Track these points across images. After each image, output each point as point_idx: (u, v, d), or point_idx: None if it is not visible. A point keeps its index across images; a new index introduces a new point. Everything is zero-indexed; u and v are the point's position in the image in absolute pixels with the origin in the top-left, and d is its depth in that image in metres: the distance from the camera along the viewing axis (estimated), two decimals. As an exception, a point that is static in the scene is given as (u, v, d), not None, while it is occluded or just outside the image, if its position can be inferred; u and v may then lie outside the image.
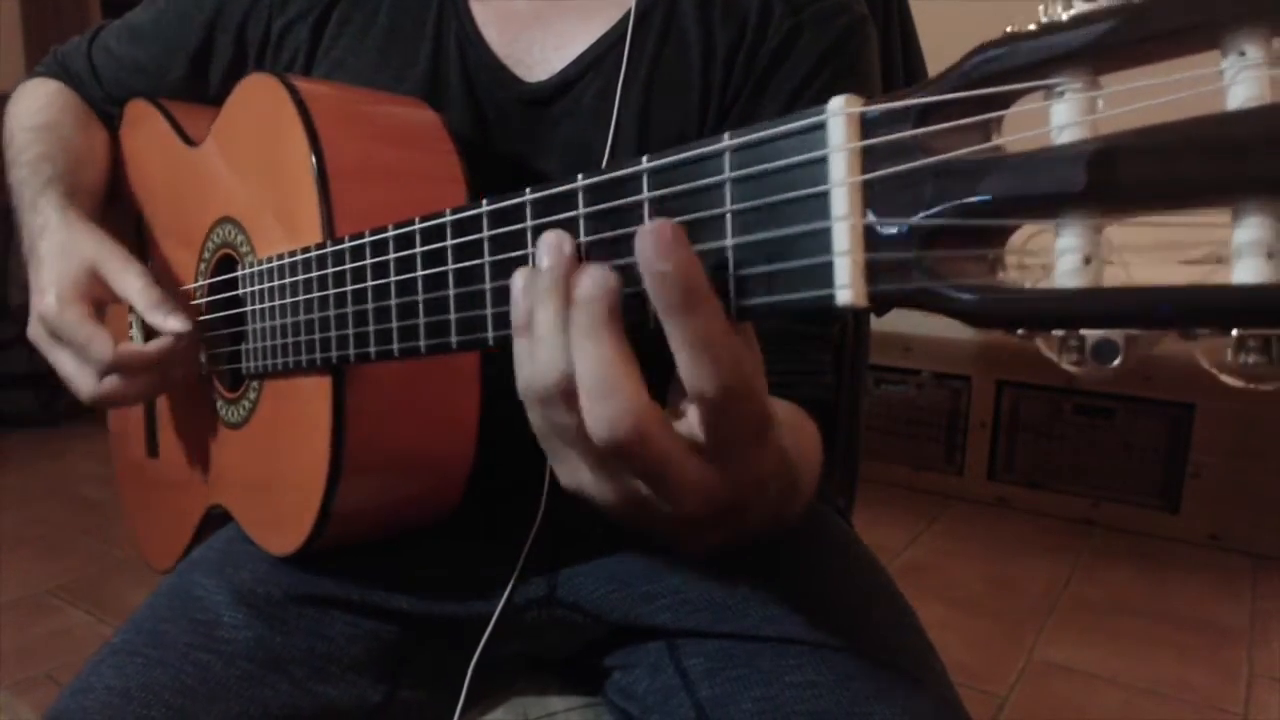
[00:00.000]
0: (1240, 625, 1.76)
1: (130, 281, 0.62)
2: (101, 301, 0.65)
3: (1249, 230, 0.21)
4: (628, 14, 0.63)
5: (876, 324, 1.01)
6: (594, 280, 0.31)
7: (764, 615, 0.58)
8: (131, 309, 0.72)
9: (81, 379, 0.63)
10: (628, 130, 0.62)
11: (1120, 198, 0.22)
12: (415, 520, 0.63)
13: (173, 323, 0.60)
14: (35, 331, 0.65)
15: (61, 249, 0.65)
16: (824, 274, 0.26)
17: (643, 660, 0.62)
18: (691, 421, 0.33)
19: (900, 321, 2.19)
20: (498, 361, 0.52)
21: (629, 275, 0.31)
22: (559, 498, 0.59)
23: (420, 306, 0.42)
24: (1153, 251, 0.23)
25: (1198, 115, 0.21)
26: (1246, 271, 0.21)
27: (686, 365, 0.30)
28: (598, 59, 0.63)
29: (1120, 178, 0.22)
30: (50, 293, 0.63)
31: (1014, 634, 1.71)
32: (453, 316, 0.41)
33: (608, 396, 0.30)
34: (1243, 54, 0.22)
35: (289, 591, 0.60)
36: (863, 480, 0.96)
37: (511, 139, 0.65)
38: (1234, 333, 0.21)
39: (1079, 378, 0.24)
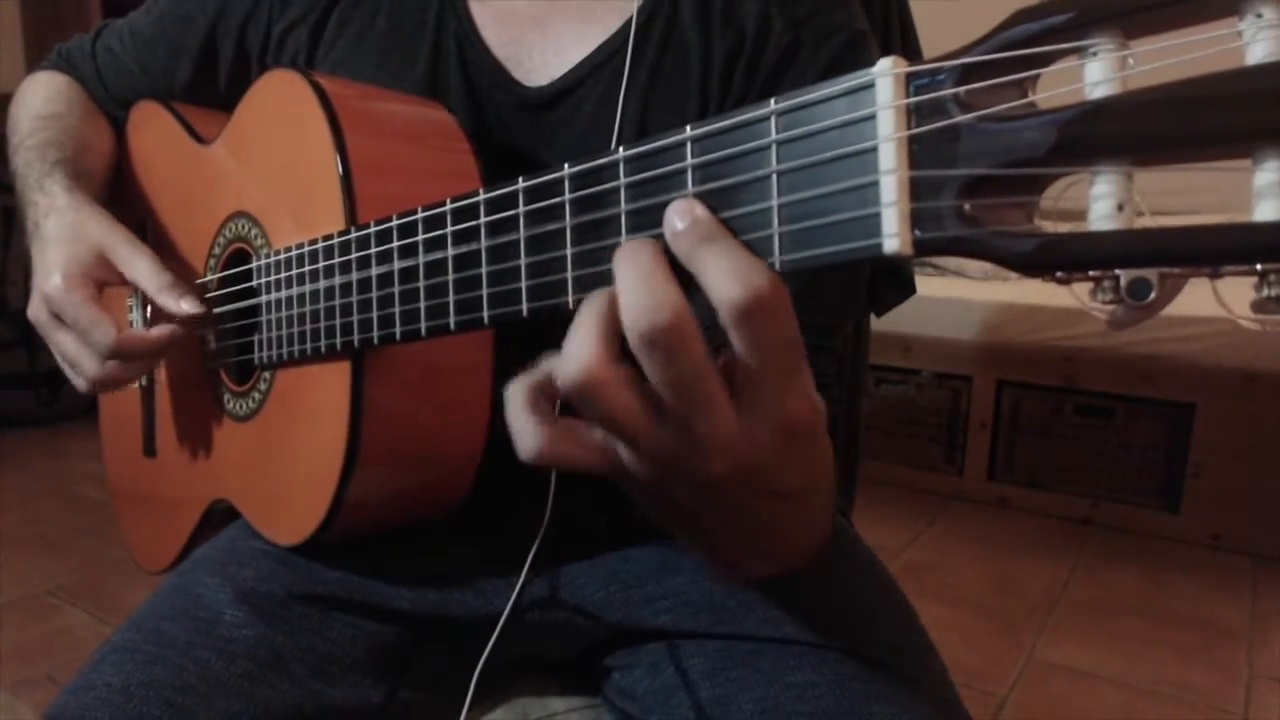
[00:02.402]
0: (1240, 625, 1.76)
1: (140, 265, 0.63)
2: (106, 284, 0.65)
3: (1268, 174, 0.23)
4: (628, 22, 0.62)
5: (876, 324, 1.01)
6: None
7: (765, 616, 0.58)
8: (135, 292, 0.70)
9: (83, 362, 0.64)
10: (627, 137, 0.61)
11: (1151, 146, 0.24)
12: (424, 511, 0.63)
13: (185, 305, 0.61)
14: (37, 312, 0.65)
15: (70, 230, 0.65)
16: (872, 225, 0.28)
17: (643, 661, 0.62)
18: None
19: (900, 321, 2.20)
20: (508, 353, 0.53)
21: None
22: (562, 499, 0.60)
23: (450, 285, 0.43)
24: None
25: (1220, 70, 0.23)
26: (1269, 211, 0.23)
27: (716, 282, 0.31)
28: (598, 66, 0.63)
29: (1151, 128, 0.24)
30: (56, 274, 0.63)
31: (1014, 634, 1.72)
32: (485, 292, 0.42)
33: (651, 293, 0.32)
34: (1260, 15, 0.24)
35: (291, 591, 0.60)
36: (863, 480, 0.97)
37: (511, 141, 0.64)
38: (1258, 267, 0.23)
39: (1110, 323, 0.26)
